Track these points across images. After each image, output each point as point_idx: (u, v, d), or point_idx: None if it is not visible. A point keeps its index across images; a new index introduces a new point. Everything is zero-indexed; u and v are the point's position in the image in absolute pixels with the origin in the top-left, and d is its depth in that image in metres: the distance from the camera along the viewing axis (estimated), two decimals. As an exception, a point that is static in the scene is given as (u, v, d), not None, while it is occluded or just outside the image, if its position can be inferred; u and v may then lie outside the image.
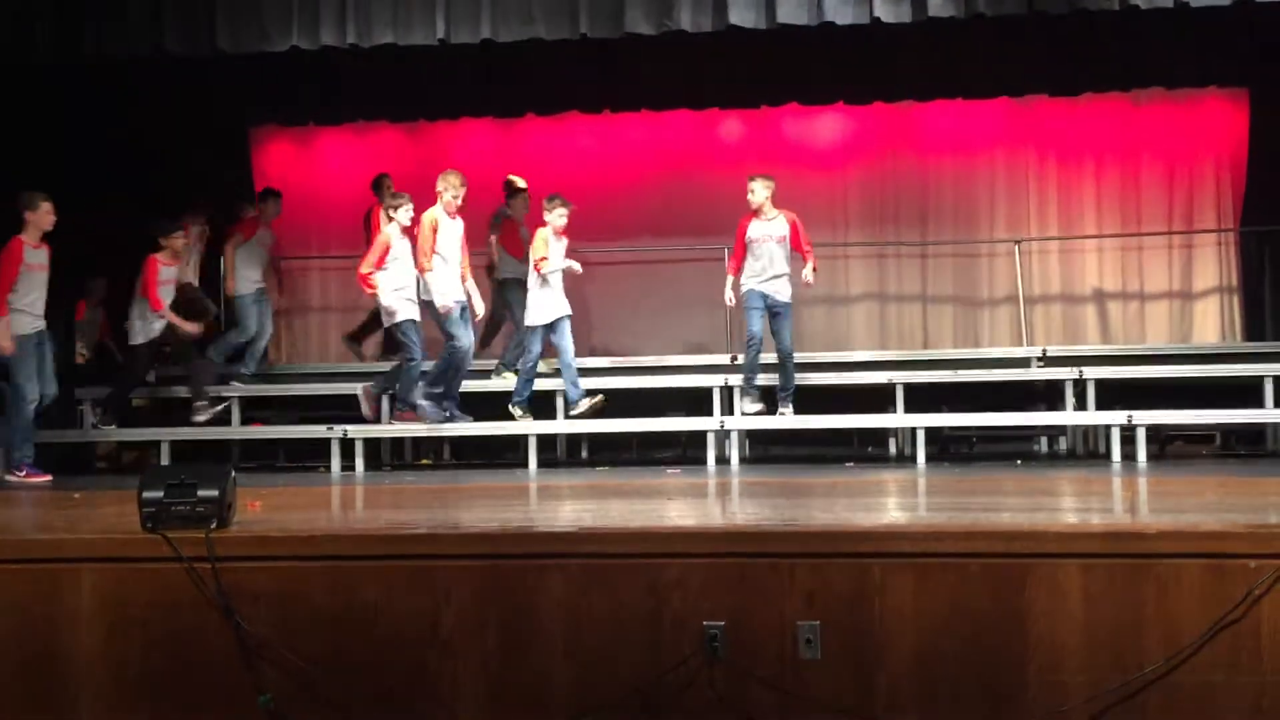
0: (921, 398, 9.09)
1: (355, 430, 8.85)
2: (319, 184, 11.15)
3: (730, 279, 8.92)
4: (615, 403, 8.77)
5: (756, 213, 8.82)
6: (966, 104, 11.06)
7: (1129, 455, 8.43)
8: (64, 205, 9.42)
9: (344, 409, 9.12)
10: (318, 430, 9.02)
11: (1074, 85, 10.68)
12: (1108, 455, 8.65)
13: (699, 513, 5.47)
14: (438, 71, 10.01)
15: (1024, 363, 9.65)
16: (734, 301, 8.93)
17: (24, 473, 7.97)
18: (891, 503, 5.73)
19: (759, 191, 8.81)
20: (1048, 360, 9.61)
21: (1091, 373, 8.98)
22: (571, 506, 5.86)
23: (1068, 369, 9.11)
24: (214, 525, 4.11)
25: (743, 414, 8.80)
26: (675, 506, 5.68)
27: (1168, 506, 5.31)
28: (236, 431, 9.23)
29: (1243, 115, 10.76)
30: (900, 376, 9.06)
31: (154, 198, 9.82)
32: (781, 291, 8.78)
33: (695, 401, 9.06)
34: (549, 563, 4.02)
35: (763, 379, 8.85)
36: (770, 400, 8.85)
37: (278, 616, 4.02)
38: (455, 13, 8.37)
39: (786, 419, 8.77)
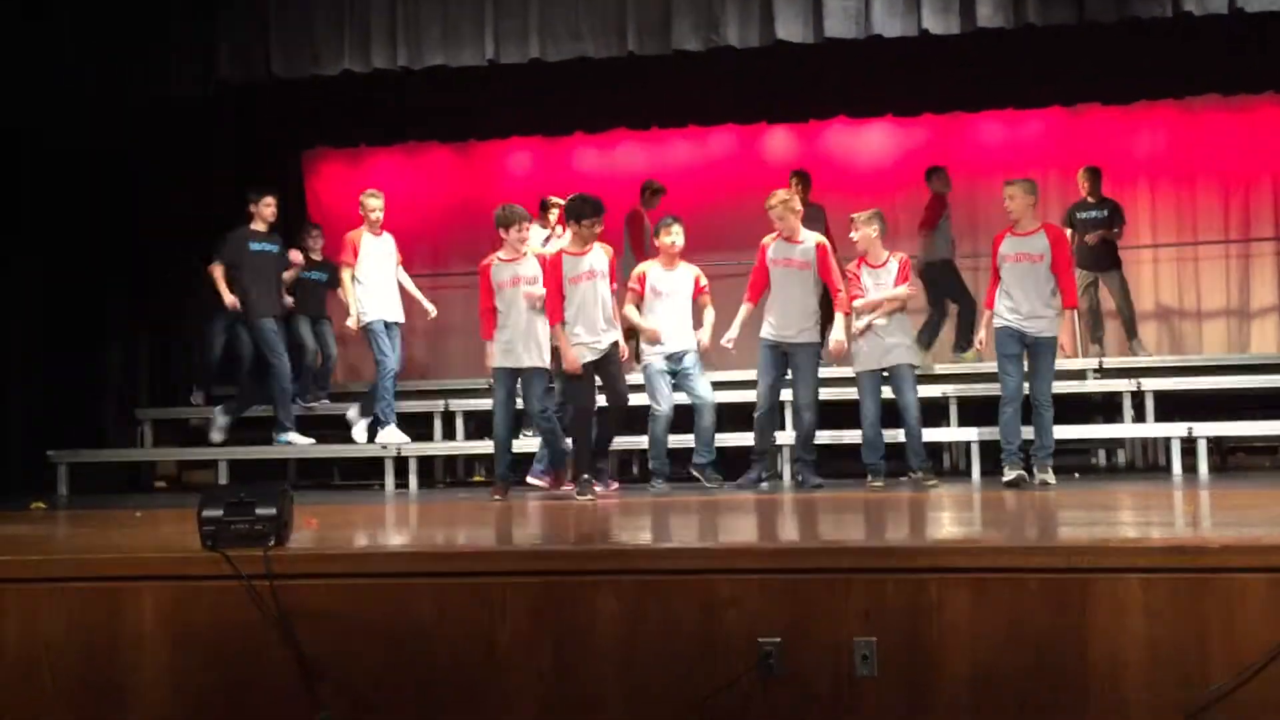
0: (975, 411, 8.98)
1: (409, 448, 8.92)
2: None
3: (986, 315, 7.64)
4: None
5: (1013, 225, 7.43)
6: (1017, 114, 10.99)
7: (1190, 467, 8.31)
8: (107, 227, 9.58)
9: (399, 426, 9.18)
10: (372, 448, 9.10)
11: (1126, 94, 10.59)
12: (1168, 468, 8.52)
13: (753, 529, 5.45)
14: (487, 91, 10.08)
15: (1080, 375, 9.52)
16: (983, 342, 7.78)
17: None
18: (947, 517, 5.67)
19: (1018, 198, 7.30)
20: (1105, 372, 9.48)
21: (1150, 384, 8.86)
22: (625, 522, 5.86)
23: (1125, 381, 8.99)
24: (272, 543, 4.15)
25: (1004, 483, 7.31)
26: (729, 522, 5.67)
27: (1231, 520, 5.21)
28: (293, 450, 9.31)
29: (1300, 121, 10.62)
30: (953, 390, 8.99)
31: (202, 221, 9.94)
32: (1039, 326, 7.31)
33: (745, 418, 9.02)
34: (603, 579, 4.02)
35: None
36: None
37: (334, 633, 4.05)
38: (504, 33, 8.44)
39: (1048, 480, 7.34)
